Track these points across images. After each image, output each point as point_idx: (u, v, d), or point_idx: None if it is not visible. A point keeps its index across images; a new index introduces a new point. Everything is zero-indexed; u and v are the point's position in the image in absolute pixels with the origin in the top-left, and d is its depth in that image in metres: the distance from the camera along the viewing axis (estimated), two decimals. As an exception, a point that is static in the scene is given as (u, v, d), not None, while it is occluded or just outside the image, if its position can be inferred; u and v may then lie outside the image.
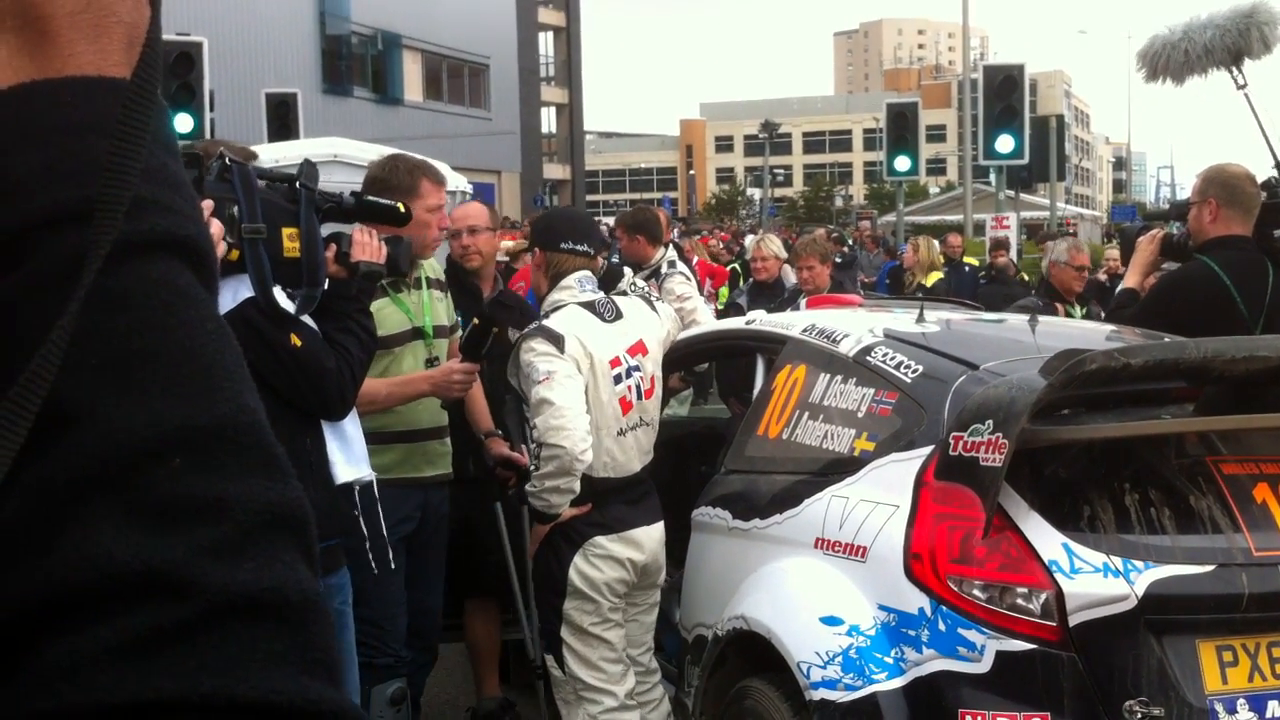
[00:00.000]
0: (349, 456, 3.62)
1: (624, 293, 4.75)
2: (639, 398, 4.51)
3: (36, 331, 0.60)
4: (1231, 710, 3.24)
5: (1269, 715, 3.27)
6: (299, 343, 3.40)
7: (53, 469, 0.60)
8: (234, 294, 3.28)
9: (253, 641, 0.60)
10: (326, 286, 3.50)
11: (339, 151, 8.64)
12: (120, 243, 0.63)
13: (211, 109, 15.48)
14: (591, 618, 4.43)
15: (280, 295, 3.38)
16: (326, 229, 3.54)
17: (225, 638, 0.59)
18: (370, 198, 3.85)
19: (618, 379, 4.46)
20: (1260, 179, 5.15)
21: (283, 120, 17.19)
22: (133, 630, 0.58)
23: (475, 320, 4.45)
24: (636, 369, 4.52)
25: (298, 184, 3.35)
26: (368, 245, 3.66)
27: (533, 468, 4.38)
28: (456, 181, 10.32)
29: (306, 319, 3.46)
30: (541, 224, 5.00)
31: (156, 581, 0.58)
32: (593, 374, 4.38)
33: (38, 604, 0.58)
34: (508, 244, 15.03)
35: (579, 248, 4.59)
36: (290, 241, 3.29)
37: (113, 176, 0.63)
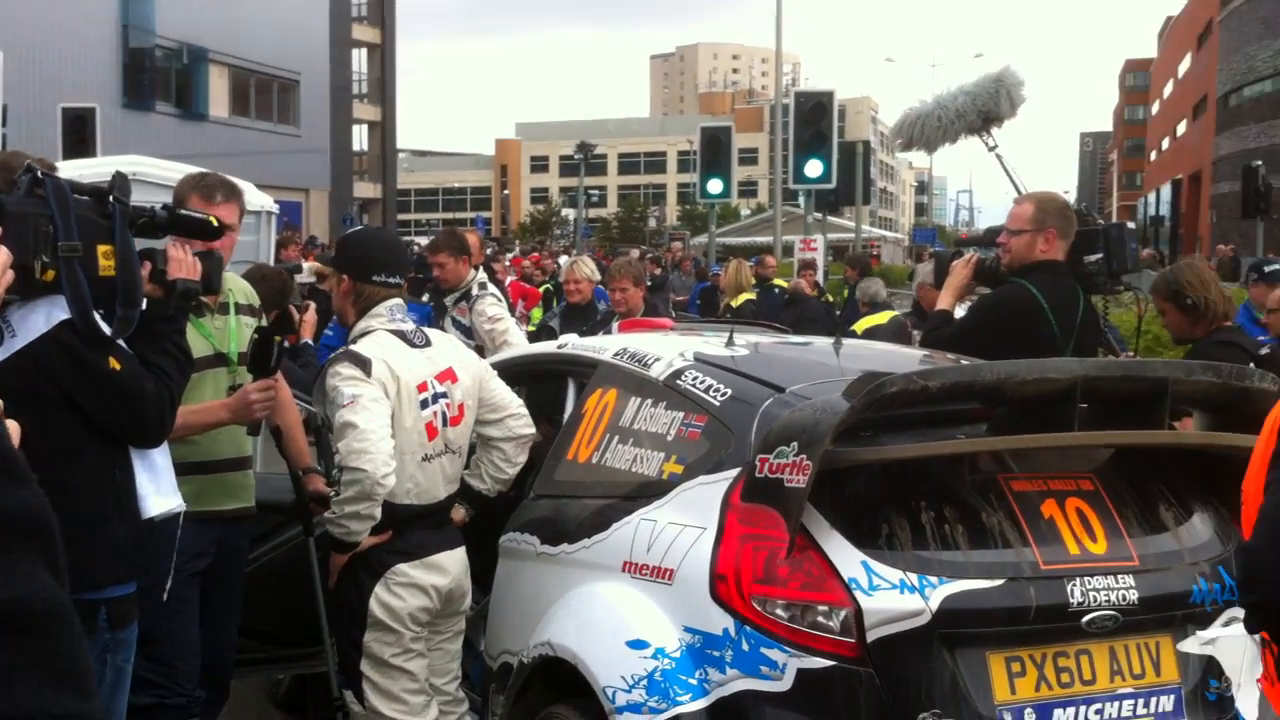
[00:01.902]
0: (159, 487, 3.44)
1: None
2: (445, 424, 4.43)
3: None
4: (1019, 718, 3.35)
5: (1055, 723, 3.39)
6: (118, 366, 3.22)
7: None
8: (47, 316, 3.10)
9: None
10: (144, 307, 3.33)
11: (139, 169, 8.31)
12: None
13: (4, 124, 14.82)
14: (393, 649, 4.33)
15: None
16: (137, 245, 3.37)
17: None
18: (183, 211, 3.67)
19: (424, 404, 4.37)
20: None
21: (79, 136, 16.55)
22: None
23: (254, 334, 4.30)
24: (444, 395, 4.43)
25: (111, 198, 3.17)
26: (184, 262, 3.51)
27: (334, 493, 4.28)
28: (261, 200, 10.06)
29: (121, 342, 3.28)
30: (354, 252, 4.61)
31: None
32: (399, 398, 4.29)
33: None
34: (314, 265, 14.78)
35: (392, 280, 4.48)
36: (105, 260, 3.11)
37: None
